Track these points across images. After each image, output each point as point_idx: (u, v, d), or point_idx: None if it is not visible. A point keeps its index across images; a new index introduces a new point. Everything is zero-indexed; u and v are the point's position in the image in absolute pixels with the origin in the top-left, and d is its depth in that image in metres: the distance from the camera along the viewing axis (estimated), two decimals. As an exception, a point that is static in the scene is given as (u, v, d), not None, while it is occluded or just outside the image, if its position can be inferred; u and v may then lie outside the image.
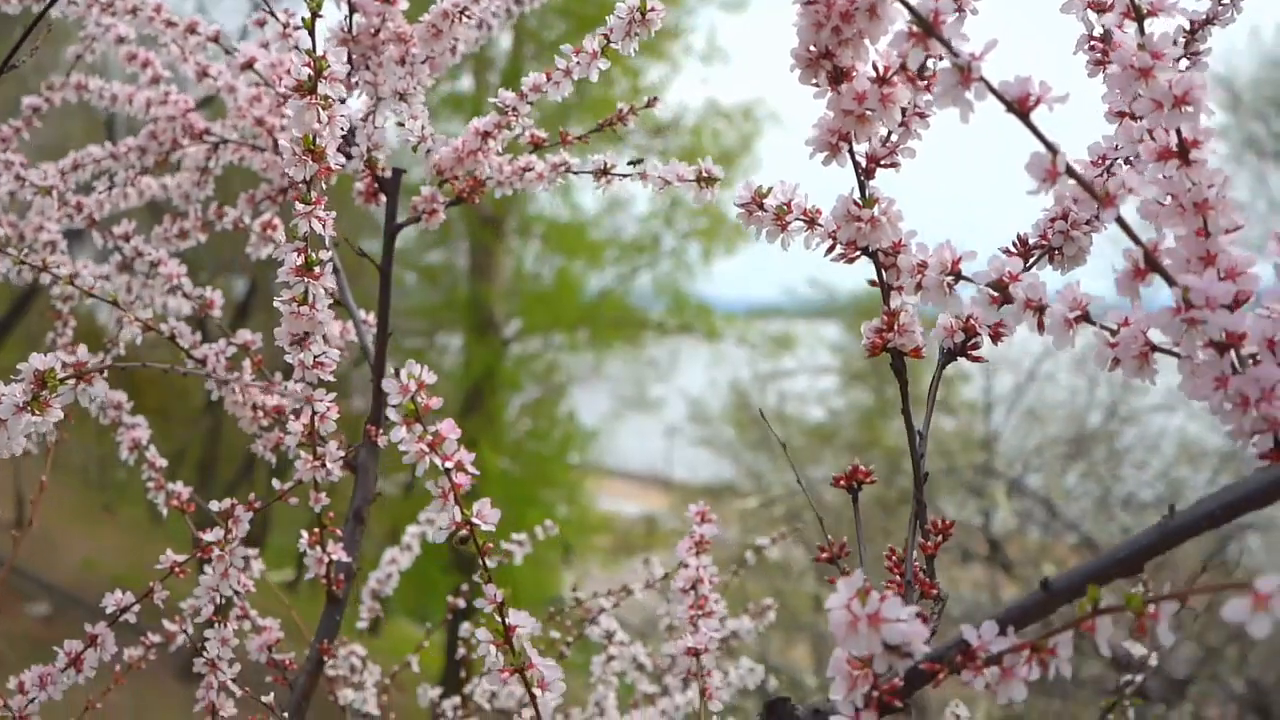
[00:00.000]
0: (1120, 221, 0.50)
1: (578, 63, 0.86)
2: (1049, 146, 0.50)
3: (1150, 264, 0.51)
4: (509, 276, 11.73)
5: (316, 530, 0.95)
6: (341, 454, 0.89)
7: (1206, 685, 5.93)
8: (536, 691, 0.63)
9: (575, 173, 0.93)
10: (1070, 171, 0.49)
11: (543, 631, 1.22)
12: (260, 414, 1.00)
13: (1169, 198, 0.53)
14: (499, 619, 0.63)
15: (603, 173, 0.92)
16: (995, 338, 0.66)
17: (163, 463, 1.09)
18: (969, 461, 6.32)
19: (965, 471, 5.73)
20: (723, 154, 9.90)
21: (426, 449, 0.60)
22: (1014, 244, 0.68)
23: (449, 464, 0.61)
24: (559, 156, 0.95)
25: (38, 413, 0.67)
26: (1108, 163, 0.68)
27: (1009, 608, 0.52)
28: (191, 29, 1.08)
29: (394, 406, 0.60)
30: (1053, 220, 0.67)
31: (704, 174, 0.83)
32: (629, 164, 0.95)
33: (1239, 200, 0.55)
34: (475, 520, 0.62)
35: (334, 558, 0.96)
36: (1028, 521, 6.43)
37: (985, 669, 0.50)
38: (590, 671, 1.23)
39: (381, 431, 0.96)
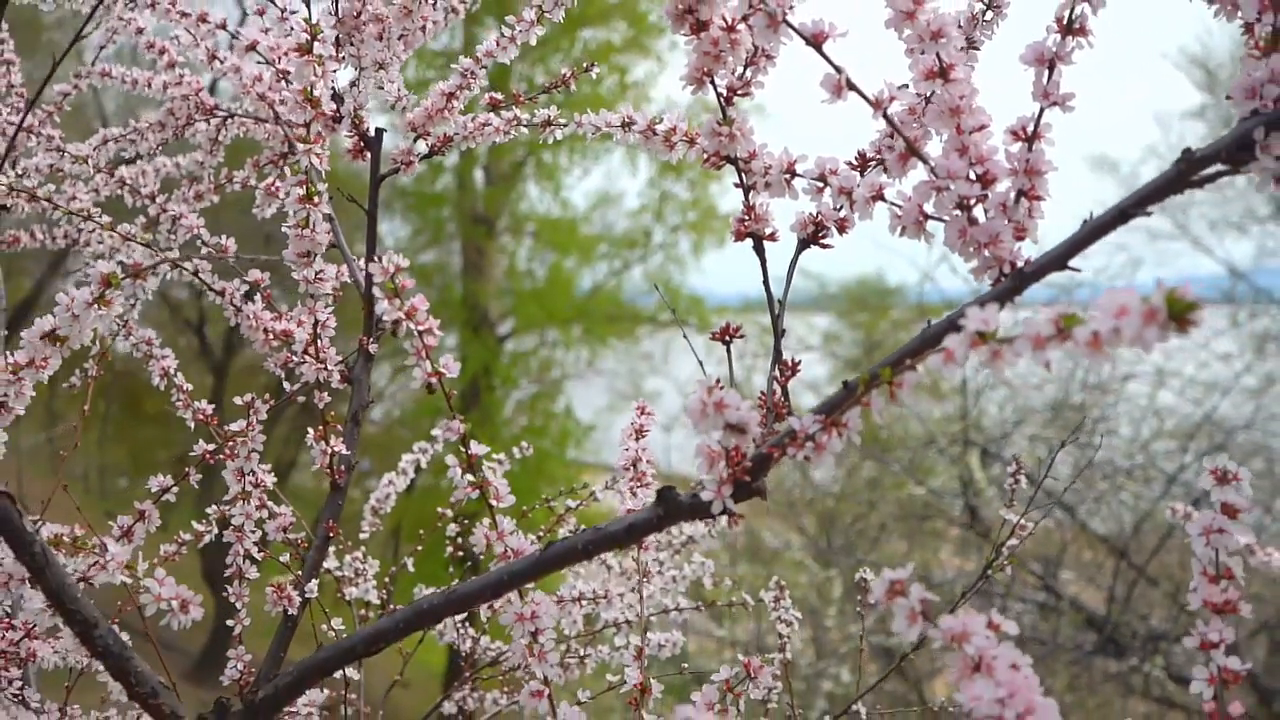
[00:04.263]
0: (888, 120, 0.70)
1: (520, 30, 1.07)
2: (836, 69, 0.70)
3: (911, 150, 0.71)
4: (502, 274, 11.92)
5: (321, 427, 1.15)
6: (340, 359, 1.10)
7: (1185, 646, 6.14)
8: (493, 502, 0.83)
9: (525, 125, 1.13)
10: (850, 85, 0.69)
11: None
12: (270, 337, 1.20)
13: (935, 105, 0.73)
14: (463, 449, 0.83)
15: (546, 124, 1.12)
16: (841, 229, 0.86)
17: (189, 386, 1.29)
18: (949, 435, 6.53)
19: (943, 440, 5.93)
20: (708, 146, 10.03)
21: (404, 316, 0.80)
22: (855, 157, 0.88)
23: (421, 328, 0.81)
24: (511, 114, 1.15)
25: (103, 307, 0.87)
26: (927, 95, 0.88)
27: (820, 403, 0.72)
28: (202, 19, 1.28)
29: (378, 284, 0.80)
30: (884, 138, 0.87)
31: (626, 119, 1.02)
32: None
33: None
34: (442, 369, 0.82)
35: (336, 451, 1.16)
36: (1009, 493, 6.64)
37: (804, 445, 0.70)
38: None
39: (374, 341, 1.16)
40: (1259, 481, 7.65)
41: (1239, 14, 0.67)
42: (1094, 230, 0.65)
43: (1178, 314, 0.47)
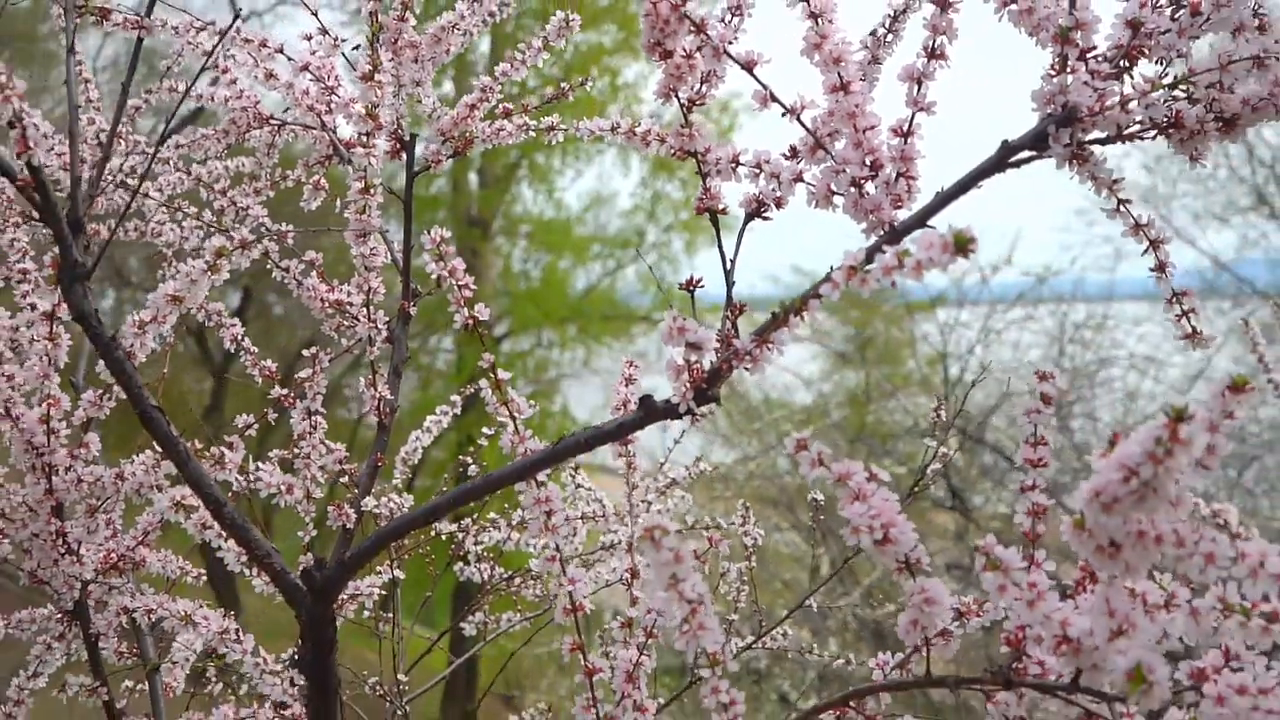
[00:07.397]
0: (800, 122, 0.97)
1: (529, 55, 1.34)
2: (763, 86, 0.97)
3: (817, 144, 0.98)
4: (497, 276, 12.18)
5: (370, 376, 1.42)
6: (387, 318, 1.36)
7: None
8: (517, 414, 1.10)
9: (533, 130, 1.40)
10: (772, 97, 0.96)
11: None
12: (325, 304, 1.47)
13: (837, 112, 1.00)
14: (493, 375, 1.10)
15: (551, 129, 1.39)
16: (778, 205, 1.13)
17: (255, 350, 1.55)
18: (931, 420, 6.81)
19: (926, 424, 6.21)
20: (698, 147, 10.33)
21: (446, 273, 1.07)
22: (788, 149, 1.15)
23: (460, 282, 1.07)
24: (521, 120, 1.42)
25: (214, 273, 1.13)
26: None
27: (755, 329, 0.98)
28: (263, 44, 1.54)
29: (427, 250, 1.07)
30: (804, 135, 1.14)
31: (615, 125, 1.29)
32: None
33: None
34: (476, 314, 1.08)
35: (383, 395, 1.43)
36: (990, 474, 6.94)
37: (744, 359, 0.97)
38: (566, 496, 1.71)
39: (412, 305, 1.42)
40: (1232, 460, 7.93)
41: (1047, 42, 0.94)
42: (942, 200, 0.92)
43: (961, 245, 0.74)
